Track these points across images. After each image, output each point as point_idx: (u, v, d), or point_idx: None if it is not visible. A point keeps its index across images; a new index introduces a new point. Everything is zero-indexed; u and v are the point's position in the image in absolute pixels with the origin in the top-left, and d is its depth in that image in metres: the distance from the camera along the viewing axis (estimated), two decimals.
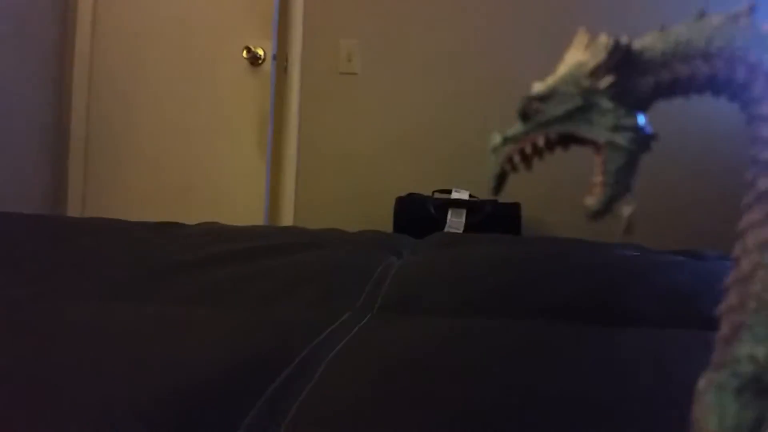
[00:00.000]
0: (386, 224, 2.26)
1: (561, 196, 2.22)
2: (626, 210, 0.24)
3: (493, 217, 2.20)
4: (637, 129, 0.24)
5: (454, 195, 2.31)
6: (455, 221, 2.25)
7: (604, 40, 0.24)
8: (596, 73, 0.25)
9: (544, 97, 0.26)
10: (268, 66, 2.52)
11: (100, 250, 1.07)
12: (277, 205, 2.66)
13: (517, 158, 0.28)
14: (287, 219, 2.66)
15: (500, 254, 1.11)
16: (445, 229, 2.23)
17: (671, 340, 0.72)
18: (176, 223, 1.41)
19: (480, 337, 0.69)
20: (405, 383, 0.55)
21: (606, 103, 0.24)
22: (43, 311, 0.72)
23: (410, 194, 2.35)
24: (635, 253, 1.20)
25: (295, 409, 0.49)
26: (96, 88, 2.72)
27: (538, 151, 0.28)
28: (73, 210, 2.72)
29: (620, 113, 0.24)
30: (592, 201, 0.24)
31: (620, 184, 0.24)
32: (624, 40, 0.24)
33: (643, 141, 0.24)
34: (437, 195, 2.33)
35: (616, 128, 0.24)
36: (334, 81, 2.63)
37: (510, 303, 0.83)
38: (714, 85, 0.23)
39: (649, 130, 0.24)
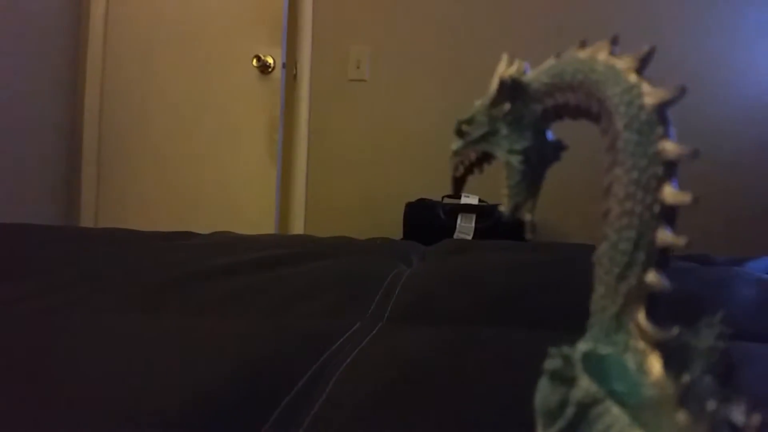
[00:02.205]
0: (396, 229, 2.29)
1: (569, 201, 2.24)
2: (527, 216, 0.28)
3: (503, 222, 2.21)
4: (527, 151, 0.28)
5: (464, 200, 2.33)
6: (465, 226, 2.27)
7: (509, 71, 0.28)
8: (494, 103, 0.28)
9: (467, 122, 0.31)
10: (277, 74, 2.55)
11: (113, 261, 1.08)
12: (288, 211, 2.70)
13: (461, 168, 0.33)
14: (298, 225, 2.69)
15: (509, 261, 1.10)
16: (455, 235, 2.25)
17: None
18: (188, 233, 1.42)
19: (490, 345, 0.69)
20: (415, 394, 0.55)
21: (504, 129, 0.28)
22: (56, 323, 0.73)
23: (420, 199, 2.37)
24: None
25: (308, 422, 0.49)
26: (108, 97, 2.77)
27: (473, 163, 0.32)
28: (86, 219, 2.77)
29: (513, 138, 0.28)
30: (502, 208, 0.29)
31: (519, 195, 0.28)
32: (509, 76, 0.28)
33: (541, 158, 0.28)
34: (447, 200, 2.35)
35: (511, 151, 0.28)
36: (344, 88, 2.67)
37: (519, 311, 0.83)
38: (581, 113, 0.27)
39: (548, 145, 0.29)
